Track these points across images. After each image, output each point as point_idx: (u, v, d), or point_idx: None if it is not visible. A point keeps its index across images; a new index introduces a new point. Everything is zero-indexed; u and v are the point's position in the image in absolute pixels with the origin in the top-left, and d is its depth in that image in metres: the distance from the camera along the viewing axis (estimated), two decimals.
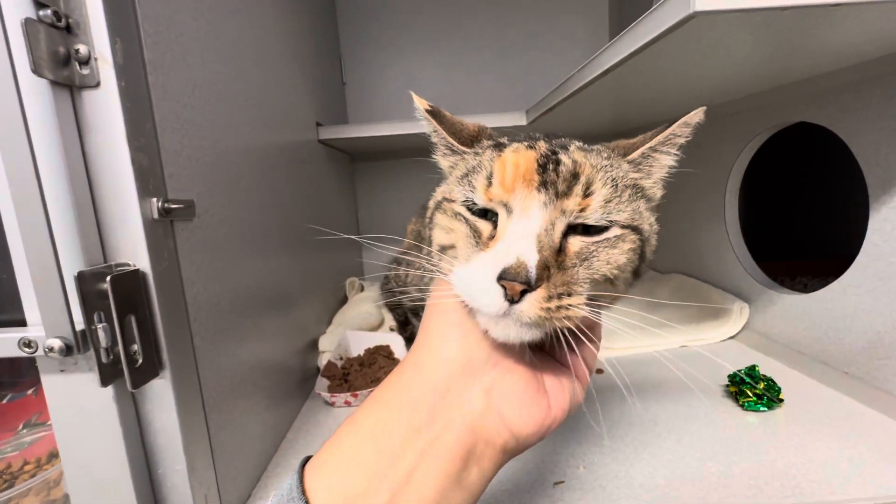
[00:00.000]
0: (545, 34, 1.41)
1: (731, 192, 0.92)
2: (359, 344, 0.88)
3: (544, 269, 0.31)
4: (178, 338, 0.42)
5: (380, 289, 0.77)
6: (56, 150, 0.35)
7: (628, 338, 0.86)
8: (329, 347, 0.86)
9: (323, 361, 0.82)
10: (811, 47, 0.56)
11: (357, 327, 0.96)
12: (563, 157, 0.36)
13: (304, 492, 0.29)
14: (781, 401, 0.64)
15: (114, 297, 0.36)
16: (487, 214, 0.36)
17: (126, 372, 0.37)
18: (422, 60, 1.42)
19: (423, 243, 0.43)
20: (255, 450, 0.56)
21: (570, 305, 0.32)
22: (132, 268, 0.38)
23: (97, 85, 0.36)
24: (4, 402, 0.78)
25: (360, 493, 0.29)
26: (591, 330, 0.35)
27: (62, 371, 0.39)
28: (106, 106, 0.37)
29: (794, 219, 1.50)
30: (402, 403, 0.32)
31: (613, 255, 0.35)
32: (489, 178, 0.36)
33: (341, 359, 0.84)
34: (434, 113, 0.42)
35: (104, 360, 0.37)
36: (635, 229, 0.36)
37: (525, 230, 0.33)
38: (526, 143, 0.38)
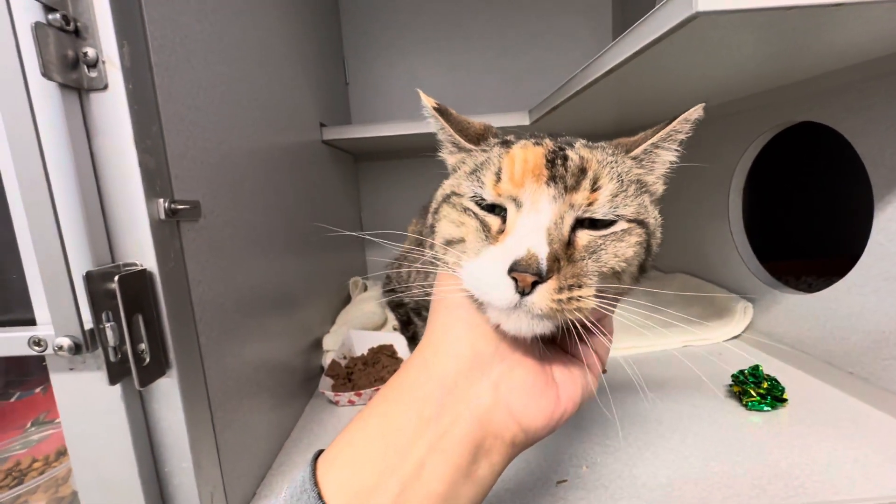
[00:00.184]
0: (548, 34, 1.41)
1: (734, 192, 0.91)
2: (362, 343, 0.89)
3: (555, 261, 0.32)
4: (185, 337, 0.42)
5: (382, 288, 0.78)
6: (65, 151, 0.36)
7: (632, 337, 0.86)
8: (333, 347, 0.87)
9: (327, 360, 0.83)
10: (814, 47, 0.56)
11: (361, 327, 0.96)
12: (570, 152, 0.36)
13: (316, 484, 0.30)
14: (785, 401, 0.64)
15: (121, 296, 0.36)
16: (495, 210, 0.37)
17: (134, 371, 0.38)
18: (424, 60, 1.42)
19: (424, 246, 0.43)
20: (261, 448, 0.57)
21: (580, 297, 0.32)
22: (139, 268, 0.39)
23: (105, 87, 0.37)
24: (13, 400, 0.79)
25: (371, 486, 0.30)
26: (601, 322, 0.35)
27: (71, 369, 0.39)
28: (114, 108, 0.37)
29: (798, 218, 1.49)
30: (411, 399, 0.33)
31: (621, 248, 0.35)
32: (498, 173, 0.36)
33: (345, 358, 0.84)
34: (441, 111, 0.43)
35: (112, 358, 0.37)
36: (641, 223, 0.37)
37: (535, 223, 0.33)
38: (533, 140, 0.39)
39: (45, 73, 0.34)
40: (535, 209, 0.34)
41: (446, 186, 0.42)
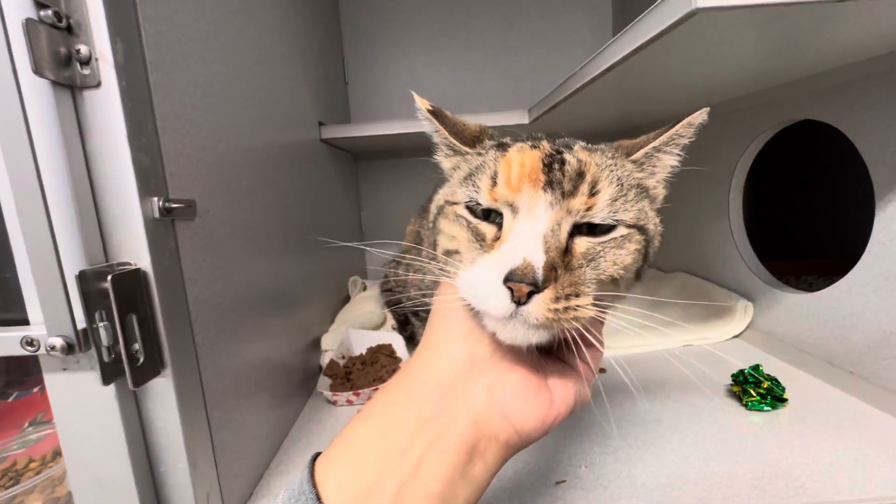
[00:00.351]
0: (548, 32, 1.40)
1: (735, 191, 0.91)
2: (361, 343, 0.88)
3: (551, 270, 0.31)
4: (180, 337, 0.42)
5: (380, 288, 0.78)
6: (57, 150, 0.36)
7: (632, 337, 0.86)
8: (331, 346, 0.86)
9: (325, 360, 0.83)
10: (815, 44, 0.55)
11: (359, 326, 0.96)
12: (567, 156, 0.35)
13: (314, 485, 0.30)
14: (785, 400, 0.64)
15: (115, 296, 0.36)
16: (491, 216, 0.36)
17: (127, 371, 0.37)
18: (424, 59, 1.42)
19: (423, 244, 0.43)
20: (258, 448, 0.57)
21: (577, 306, 0.32)
22: (133, 267, 0.38)
23: (98, 85, 0.36)
24: (10, 400, 0.79)
25: (369, 486, 0.30)
26: (593, 327, 0.35)
27: (64, 369, 0.39)
28: (107, 106, 0.37)
29: (798, 217, 1.49)
30: (409, 399, 0.33)
31: (620, 255, 0.35)
32: (494, 177, 0.35)
33: (344, 357, 0.84)
34: (436, 113, 0.42)
35: (106, 358, 0.37)
36: (641, 229, 0.36)
37: (531, 231, 0.33)
38: (530, 143, 0.38)
39: (37, 71, 0.33)
40: (532, 215, 0.34)
41: (440, 197, 0.42)
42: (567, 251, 0.34)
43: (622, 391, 0.68)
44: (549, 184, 0.34)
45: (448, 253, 0.38)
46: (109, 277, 0.35)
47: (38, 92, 0.35)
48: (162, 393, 0.41)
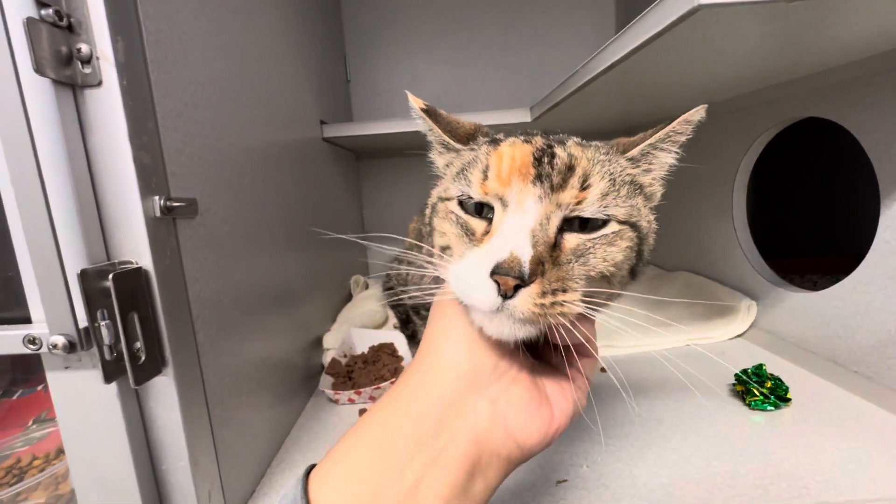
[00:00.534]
0: (551, 30, 1.40)
1: (738, 189, 0.90)
2: (363, 341, 0.88)
3: (538, 265, 0.31)
4: (181, 335, 0.42)
5: (381, 287, 0.78)
6: (59, 148, 0.36)
7: (634, 336, 0.85)
8: (333, 345, 0.87)
9: (327, 359, 0.83)
10: (819, 41, 0.55)
11: (361, 325, 0.96)
12: (558, 150, 0.35)
13: (308, 501, 0.29)
14: (789, 400, 0.63)
15: (116, 294, 0.36)
16: (483, 210, 0.36)
17: (129, 369, 0.37)
18: (426, 57, 1.42)
19: (424, 242, 0.43)
20: (259, 446, 0.57)
21: (564, 301, 0.31)
22: (135, 265, 0.38)
23: (99, 84, 0.36)
24: (15, 397, 0.80)
25: (366, 502, 0.29)
26: (584, 326, 0.35)
27: (66, 368, 0.39)
28: (108, 105, 0.37)
29: (802, 215, 1.48)
30: (409, 413, 0.32)
31: (611, 252, 0.34)
32: (485, 171, 0.35)
33: (345, 356, 0.84)
34: (429, 112, 0.42)
35: (107, 357, 0.37)
36: (633, 226, 0.36)
37: (519, 224, 0.33)
38: (522, 138, 0.38)
39: (39, 70, 0.33)
40: (521, 209, 0.34)
41: (433, 195, 0.42)
42: (556, 246, 0.33)
43: (624, 390, 0.68)
44: (539, 177, 0.34)
45: (442, 249, 0.38)
46: (111, 276, 0.35)
47: (39, 91, 0.35)
48: (163, 391, 0.41)
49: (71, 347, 0.36)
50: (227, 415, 0.49)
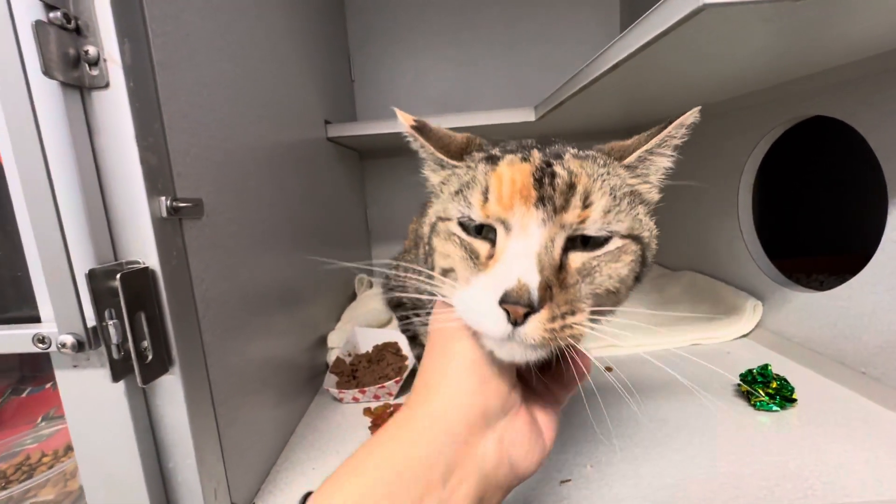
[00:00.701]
0: (555, 29, 1.39)
1: (744, 188, 0.90)
2: (367, 340, 0.89)
3: (546, 290, 0.31)
4: (188, 334, 0.43)
5: (382, 288, 0.78)
6: (67, 150, 0.36)
7: (639, 335, 0.85)
8: (338, 344, 0.87)
9: (332, 358, 0.83)
10: (826, 39, 0.54)
11: (366, 324, 0.96)
12: (557, 168, 0.35)
13: None
14: (794, 401, 0.63)
15: (124, 294, 0.36)
16: (484, 230, 0.36)
17: (136, 368, 0.38)
18: (430, 57, 1.41)
19: (421, 250, 0.43)
20: (265, 445, 0.57)
21: (574, 324, 0.32)
22: (142, 265, 0.39)
23: (106, 86, 0.37)
24: (24, 395, 0.81)
25: None
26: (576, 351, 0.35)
27: (75, 367, 0.40)
28: (115, 106, 0.37)
29: (809, 215, 1.47)
30: (419, 454, 0.31)
31: (616, 268, 0.34)
32: (485, 193, 0.35)
33: (350, 355, 0.85)
34: (419, 128, 0.41)
35: (115, 356, 0.38)
36: (636, 238, 0.36)
37: (525, 250, 0.33)
38: (520, 155, 0.36)
39: (47, 72, 0.34)
40: (525, 234, 0.33)
41: (431, 214, 0.41)
42: (562, 267, 0.33)
43: (628, 390, 0.68)
44: (541, 199, 0.33)
45: (445, 272, 0.37)
46: (118, 276, 0.36)
47: (47, 93, 0.35)
48: (170, 390, 0.41)
49: (79, 346, 0.37)
50: (233, 413, 0.49)
